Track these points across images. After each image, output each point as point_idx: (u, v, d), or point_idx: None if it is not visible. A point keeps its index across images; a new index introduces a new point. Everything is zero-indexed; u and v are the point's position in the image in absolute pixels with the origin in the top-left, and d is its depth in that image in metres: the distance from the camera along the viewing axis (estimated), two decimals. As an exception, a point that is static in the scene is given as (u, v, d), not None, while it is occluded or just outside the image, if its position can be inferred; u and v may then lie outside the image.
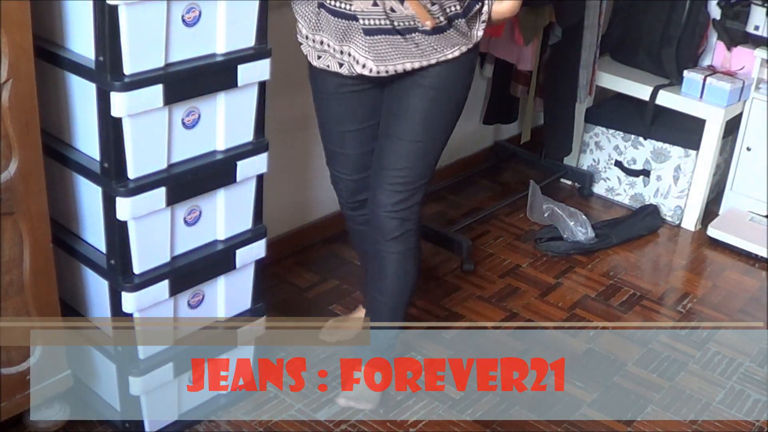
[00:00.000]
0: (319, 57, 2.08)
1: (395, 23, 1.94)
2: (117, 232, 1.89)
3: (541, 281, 3.03)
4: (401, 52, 1.98)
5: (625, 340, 2.75)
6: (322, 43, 2.04)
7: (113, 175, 1.83)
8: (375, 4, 1.92)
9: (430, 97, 2.06)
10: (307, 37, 2.08)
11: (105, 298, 2.01)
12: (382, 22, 1.94)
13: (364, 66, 2.00)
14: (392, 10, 1.92)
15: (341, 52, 2.02)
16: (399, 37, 1.96)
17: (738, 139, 3.42)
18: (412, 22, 1.95)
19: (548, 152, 3.62)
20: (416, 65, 2.00)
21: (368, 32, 1.95)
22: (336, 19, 1.97)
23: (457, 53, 2.02)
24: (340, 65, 2.04)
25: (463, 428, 2.32)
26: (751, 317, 2.93)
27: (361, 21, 1.94)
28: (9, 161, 1.73)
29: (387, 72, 2.01)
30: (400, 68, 2.00)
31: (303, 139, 2.91)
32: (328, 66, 2.07)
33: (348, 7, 1.94)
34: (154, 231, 1.94)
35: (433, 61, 2.01)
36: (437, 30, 1.97)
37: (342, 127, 2.21)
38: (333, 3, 1.97)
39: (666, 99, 3.41)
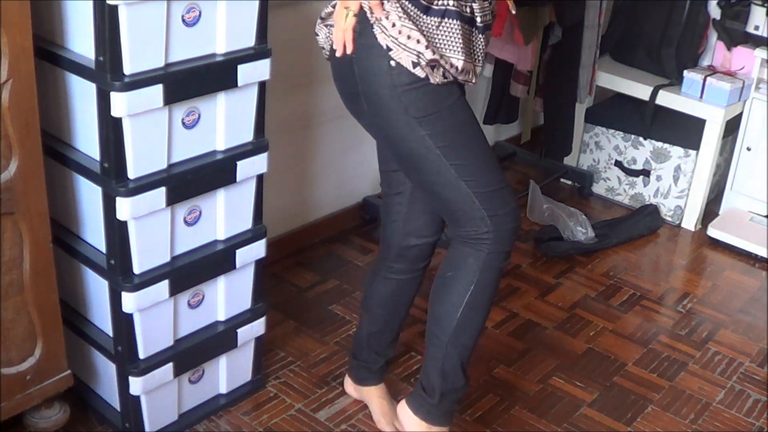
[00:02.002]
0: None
1: (489, 18, 1.79)
2: (117, 232, 1.89)
3: (541, 281, 3.03)
4: (484, 50, 1.83)
5: (625, 340, 2.75)
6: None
7: (113, 175, 1.83)
8: None
9: None
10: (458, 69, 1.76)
11: (105, 298, 2.01)
12: (489, 17, 1.79)
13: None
14: (490, 2, 1.78)
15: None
16: (488, 33, 1.82)
17: (738, 139, 3.42)
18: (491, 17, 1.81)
19: (548, 152, 3.62)
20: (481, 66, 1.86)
21: (482, 30, 1.78)
22: (463, 24, 1.75)
23: None
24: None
25: (463, 428, 2.31)
26: (751, 317, 2.93)
27: (479, 20, 1.76)
28: (9, 161, 1.73)
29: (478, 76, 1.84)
30: (479, 71, 1.84)
31: (303, 139, 2.91)
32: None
33: (468, 8, 1.74)
34: (154, 231, 1.94)
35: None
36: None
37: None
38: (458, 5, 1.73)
39: (666, 99, 3.41)
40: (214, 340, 2.17)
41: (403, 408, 2.09)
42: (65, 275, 2.06)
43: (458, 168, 1.82)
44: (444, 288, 1.96)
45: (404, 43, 1.70)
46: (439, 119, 1.78)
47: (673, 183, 3.45)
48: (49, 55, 1.86)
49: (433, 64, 1.71)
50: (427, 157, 1.81)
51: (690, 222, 3.47)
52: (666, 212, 3.50)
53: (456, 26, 1.72)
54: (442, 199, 1.89)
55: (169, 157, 1.91)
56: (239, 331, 2.21)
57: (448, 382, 2.00)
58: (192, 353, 2.13)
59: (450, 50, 1.73)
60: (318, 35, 1.91)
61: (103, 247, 1.97)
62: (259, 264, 2.21)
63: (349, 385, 2.37)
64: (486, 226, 1.87)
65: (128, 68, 1.76)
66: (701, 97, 3.34)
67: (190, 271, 2.04)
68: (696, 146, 3.37)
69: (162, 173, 1.89)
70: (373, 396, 2.30)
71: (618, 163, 3.58)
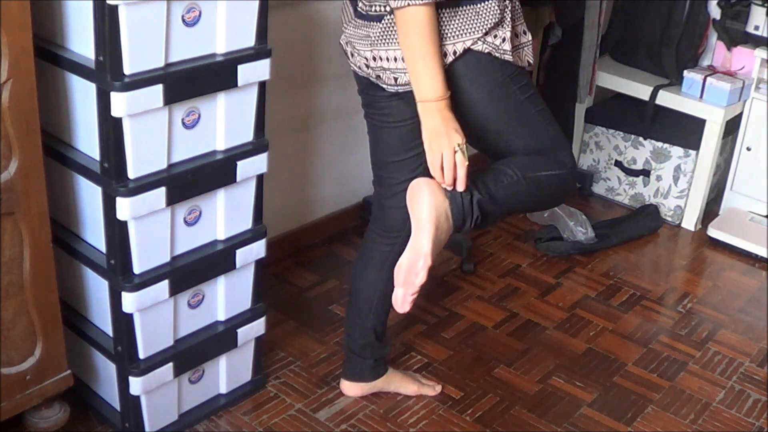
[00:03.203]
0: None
1: None
2: (117, 232, 1.89)
3: (541, 281, 3.03)
4: None
5: (625, 340, 2.75)
6: (517, 36, 1.92)
7: (113, 175, 1.83)
8: None
9: None
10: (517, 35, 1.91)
11: (105, 298, 2.01)
12: None
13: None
14: None
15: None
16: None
17: (738, 139, 3.42)
18: None
19: (548, 152, 3.62)
20: None
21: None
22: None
23: None
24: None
25: (463, 428, 2.32)
26: (751, 317, 2.93)
27: None
28: (9, 161, 1.73)
29: None
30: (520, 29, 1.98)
31: (303, 139, 2.91)
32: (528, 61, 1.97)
33: None
34: (154, 231, 1.94)
35: None
36: None
37: None
38: None
39: (666, 99, 3.42)
40: (214, 340, 2.17)
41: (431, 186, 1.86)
42: (65, 275, 2.06)
43: (541, 113, 1.96)
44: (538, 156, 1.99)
45: (492, 42, 1.84)
46: (520, 74, 1.92)
47: (673, 183, 3.45)
48: (49, 55, 1.86)
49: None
50: (516, 111, 1.92)
51: (690, 222, 3.47)
52: (666, 212, 3.50)
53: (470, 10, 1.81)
54: (530, 150, 1.96)
55: (169, 157, 1.91)
56: (239, 331, 2.21)
57: (492, 196, 1.89)
58: (192, 353, 2.13)
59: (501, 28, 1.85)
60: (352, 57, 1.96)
61: (103, 247, 1.97)
62: (259, 264, 2.21)
63: (355, 387, 2.37)
64: (567, 158, 2.00)
65: (128, 68, 1.76)
66: (701, 97, 3.34)
67: (190, 271, 2.04)
68: (696, 146, 3.37)
69: (162, 173, 1.89)
70: (393, 377, 2.38)
71: (618, 163, 3.58)
